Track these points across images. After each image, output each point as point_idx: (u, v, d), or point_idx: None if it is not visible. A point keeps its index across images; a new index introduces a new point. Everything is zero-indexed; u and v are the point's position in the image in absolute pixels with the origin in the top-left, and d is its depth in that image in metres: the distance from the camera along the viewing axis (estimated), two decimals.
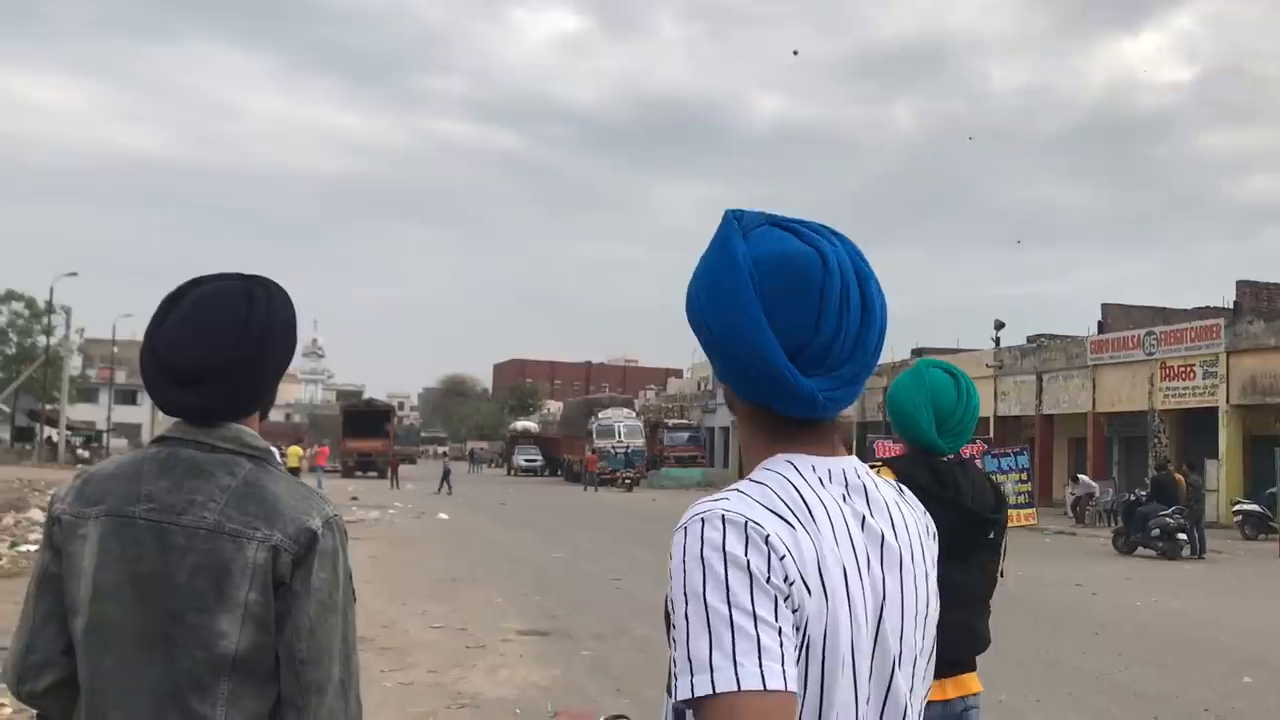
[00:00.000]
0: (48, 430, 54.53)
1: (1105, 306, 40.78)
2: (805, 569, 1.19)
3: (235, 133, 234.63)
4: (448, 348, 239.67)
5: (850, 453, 1.36)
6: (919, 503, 1.45)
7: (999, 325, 41.51)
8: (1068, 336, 39.54)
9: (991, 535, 3.16)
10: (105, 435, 63.33)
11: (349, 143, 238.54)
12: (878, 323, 1.31)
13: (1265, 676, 8.90)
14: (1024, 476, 29.37)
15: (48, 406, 56.62)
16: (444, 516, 27.08)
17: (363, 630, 10.02)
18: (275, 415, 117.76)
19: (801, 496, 1.25)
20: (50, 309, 56.62)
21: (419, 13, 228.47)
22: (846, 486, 1.30)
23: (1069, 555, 21.02)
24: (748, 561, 1.16)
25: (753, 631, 1.13)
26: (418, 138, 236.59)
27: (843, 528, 1.25)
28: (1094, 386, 36.04)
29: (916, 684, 1.32)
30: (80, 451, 52.75)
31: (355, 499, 32.35)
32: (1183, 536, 20.41)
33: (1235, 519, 26.42)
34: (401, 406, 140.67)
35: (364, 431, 54.13)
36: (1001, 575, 3.45)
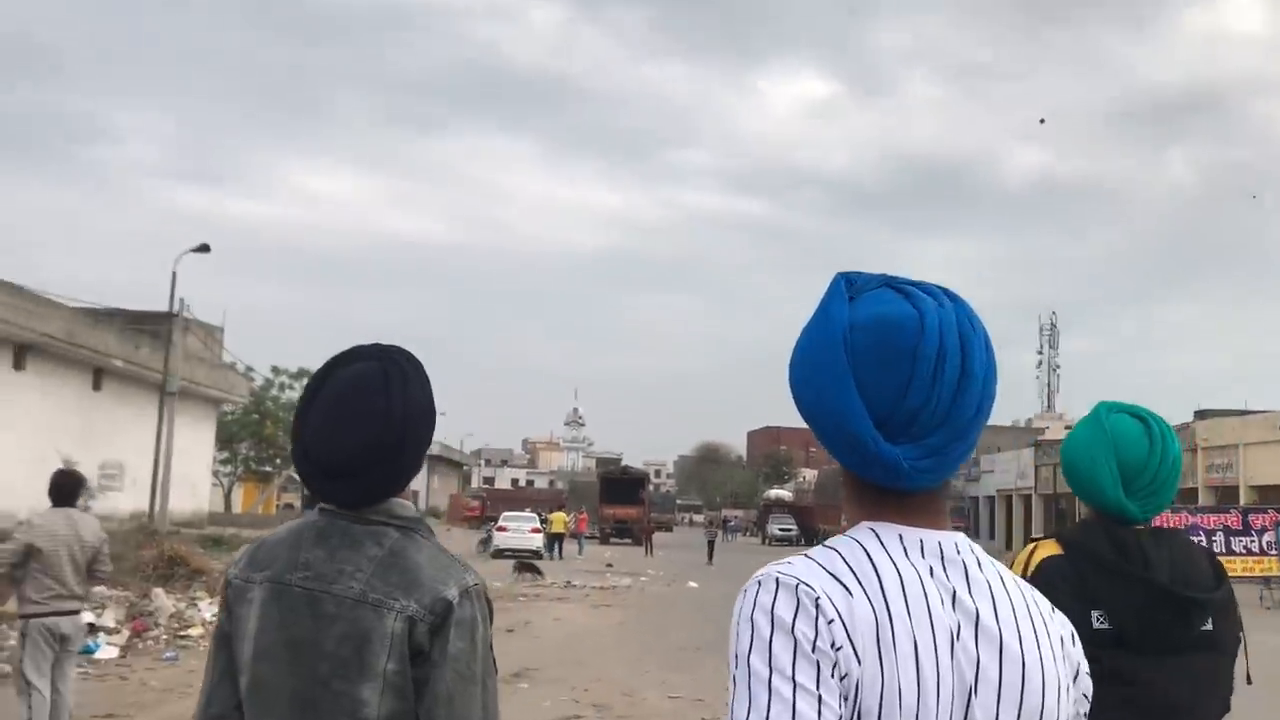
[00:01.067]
0: None
1: None
2: (857, 635, 1.16)
3: (503, 215, 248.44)
4: (703, 415, 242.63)
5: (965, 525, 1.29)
6: (1045, 599, 1.35)
7: None
8: None
9: (1210, 626, 2.35)
10: None
11: (606, 218, 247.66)
12: (976, 392, 1.25)
13: None
14: None
15: None
16: (694, 585, 27.16)
17: (603, 698, 10.20)
18: (540, 481, 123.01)
19: (873, 563, 1.21)
20: None
21: (668, 90, 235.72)
22: (942, 559, 1.24)
23: None
24: (793, 625, 1.15)
25: (789, 696, 1.12)
26: (670, 210, 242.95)
27: (920, 600, 1.20)
28: None
29: None
30: None
31: (610, 565, 32.95)
32: None
33: None
34: (658, 474, 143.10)
35: (620, 498, 55.27)
36: (1249, 681, 2.65)
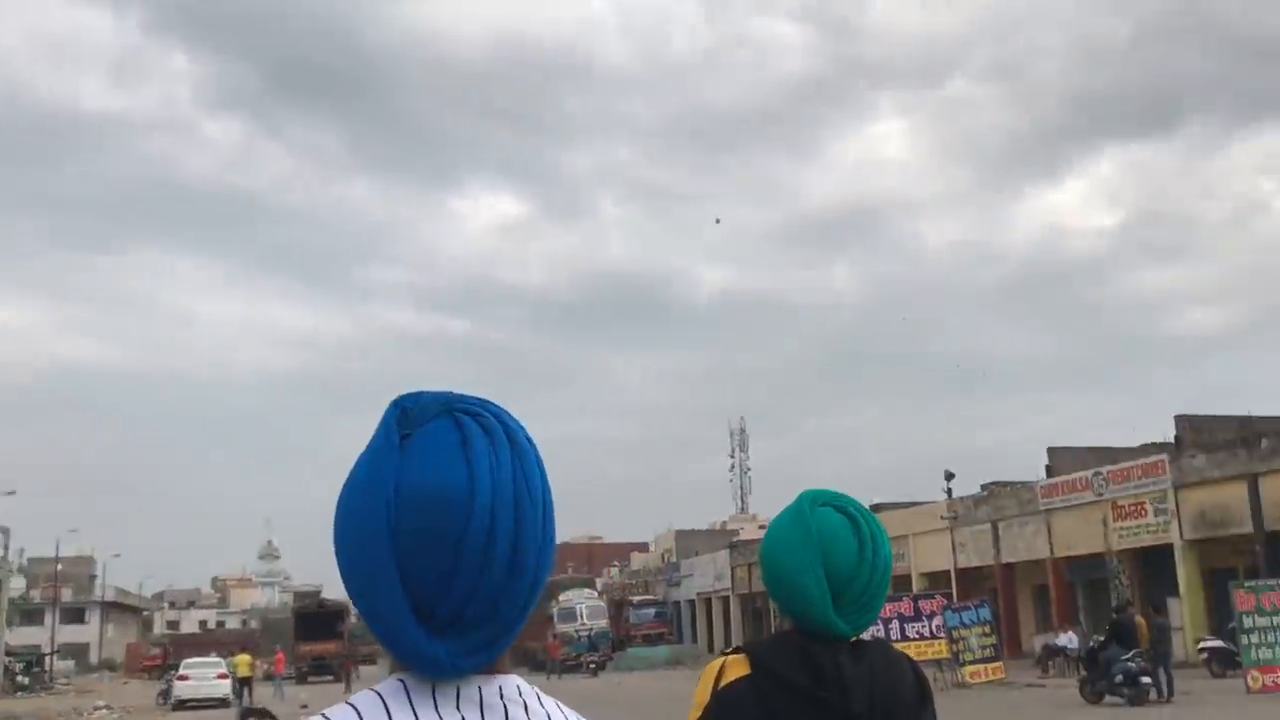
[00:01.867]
0: None
1: (1051, 450, 41.05)
2: None
3: (186, 339, 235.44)
4: None
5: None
6: None
7: (949, 476, 41.52)
8: (1019, 483, 39.66)
9: None
10: (49, 658, 60.88)
11: (299, 339, 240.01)
12: (529, 580, 1.16)
13: None
14: (988, 630, 29.19)
15: None
16: None
17: None
18: (232, 621, 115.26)
19: (389, 714, 1.14)
20: None
21: (361, 208, 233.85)
22: (480, 707, 1.17)
23: (1039, 710, 20.48)
24: None
25: None
26: (368, 330, 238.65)
27: None
28: (1049, 531, 35.97)
29: None
30: (20, 678, 50.40)
31: (305, 707, 31.03)
32: (1147, 680, 19.97)
33: (1201, 656, 26.02)
34: None
35: (317, 633, 52.43)
36: None
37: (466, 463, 1.14)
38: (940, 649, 26.88)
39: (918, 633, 27.09)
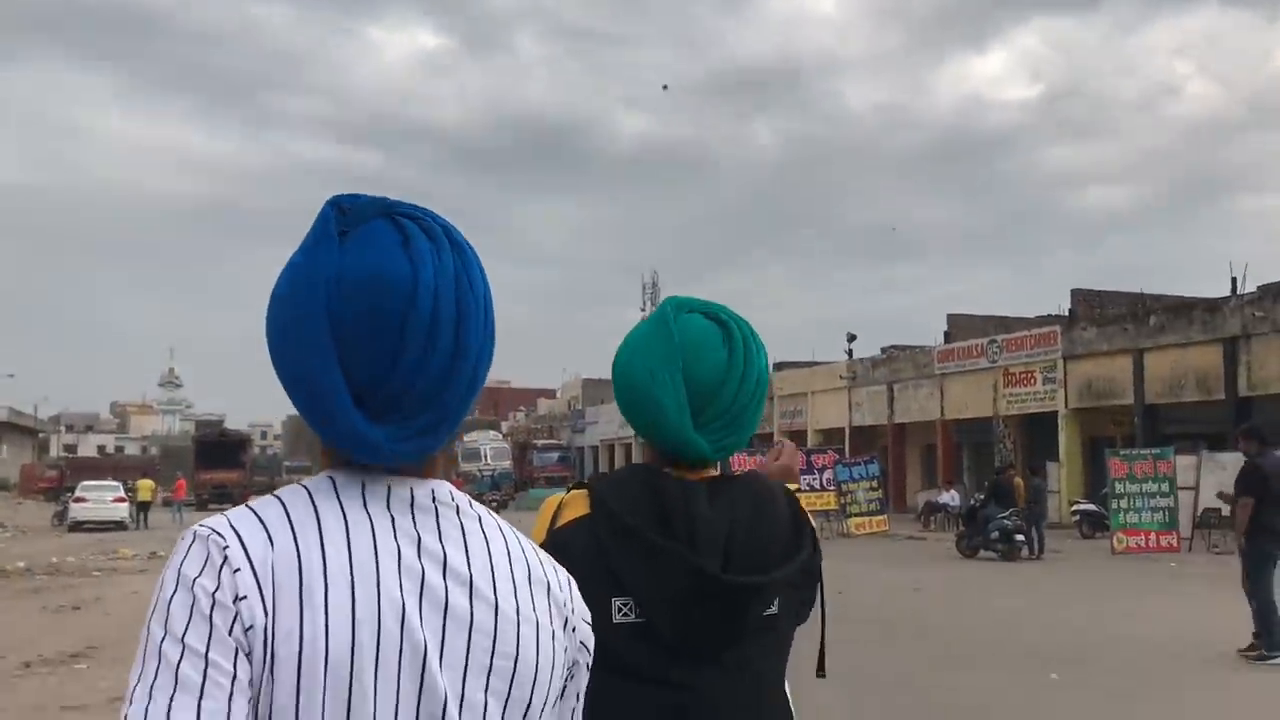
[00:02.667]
0: None
1: (951, 317, 42.10)
2: (270, 583, 1.07)
3: (82, 158, 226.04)
4: None
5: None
6: (544, 556, 1.26)
7: (851, 338, 42.52)
8: (917, 347, 40.70)
9: (775, 609, 1.77)
10: None
11: (205, 165, 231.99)
12: (469, 368, 1.15)
13: (1071, 674, 9.17)
14: (875, 484, 30.34)
15: None
16: None
17: None
18: (131, 447, 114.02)
19: (316, 509, 1.12)
20: None
21: (274, 33, 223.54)
22: (411, 507, 1.15)
23: (914, 560, 21.52)
24: (195, 581, 1.07)
25: (175, 661, 1.04)
26: (277, 158, 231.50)
27: (368, 546, 1.11)
28: (942, 395, 37.17)
29: None
30: None
31: None
32: (1020, 538, 21.11)
33: (1074, 519, 27.47)
34: (264, 435, 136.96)
35: (218, 462, 52.40)
36: (819, 673, 2.08)
37: (408, 257, 1.12)
38: (829, 500, 27.97)
39: (809, 485, 28.08)
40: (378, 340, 1.10)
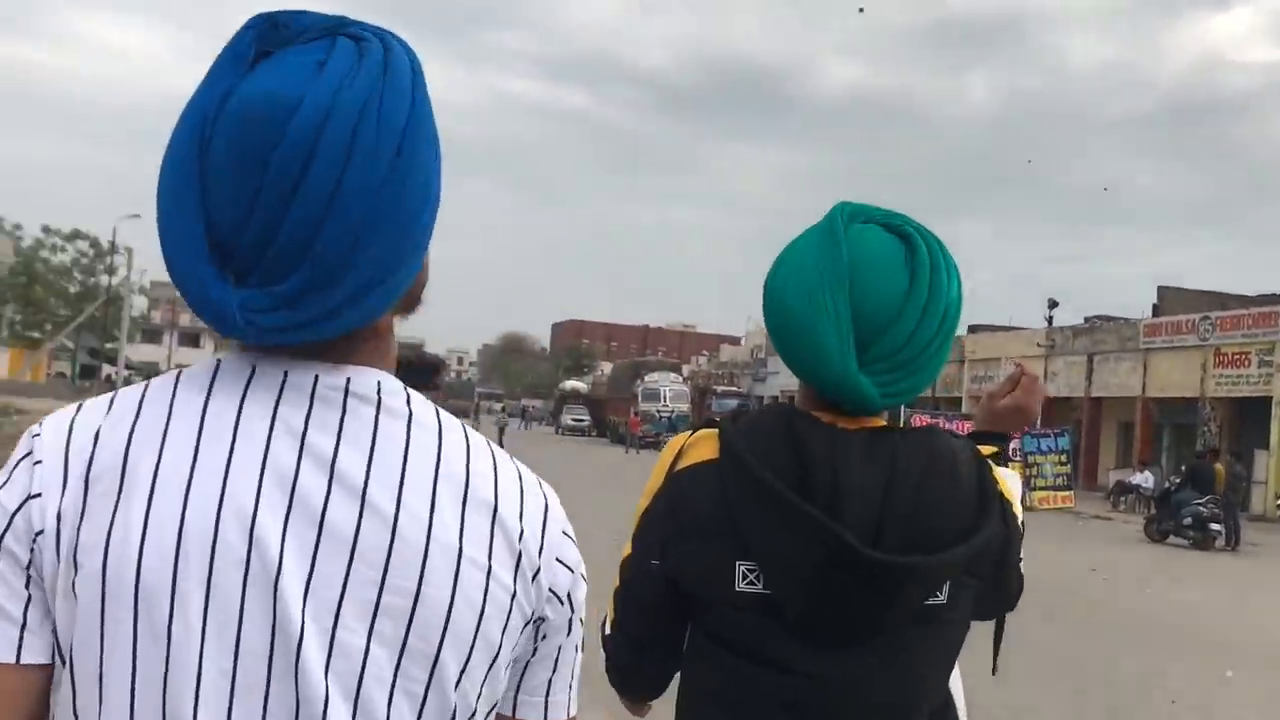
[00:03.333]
0: (108, 369, 55.87)
1: (1162, 289, 39.74)
2: (82, 479, 0.89)
3: None
4: (509, 305, 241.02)
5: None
6: (513, 475, 0.99)
7: (1052, 304, 40.70)
8: (1121, 318, 38.69)
9: (942, 598, 1.45)
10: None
11: None
12: (353, 218, 0.87)
13: (1249, 673, 8.63)
14: (1064, 459, 29.01)
15: (109, 346, 57.97)
16: None
17: None
18: None
19: (174, 395, 0.92)
20: (113, 249, 57.83)
21: None
22: (311, 397, 0.92)
23: (1098, 540, 20.62)
24: (5, 483, 0.90)
25: None
26: (484, 93, 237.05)
27: (224, 437, 0.89)
28: (1145, 370, 35.23)
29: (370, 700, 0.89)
30: None
31: None
32: (1216, 526, 19.90)
33: (1279, 511, 25.74)
34: (460, 361, 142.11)
35: (413, 383, 52.81)
36: (994, 671, 1.85)
37: (311, 79, 0.89)
38: (1013, 471, 27.03)
39: None
40: (240, 176, 0.87)
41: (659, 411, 51.39)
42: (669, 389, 54.31)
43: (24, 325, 58.54)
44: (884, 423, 1.51)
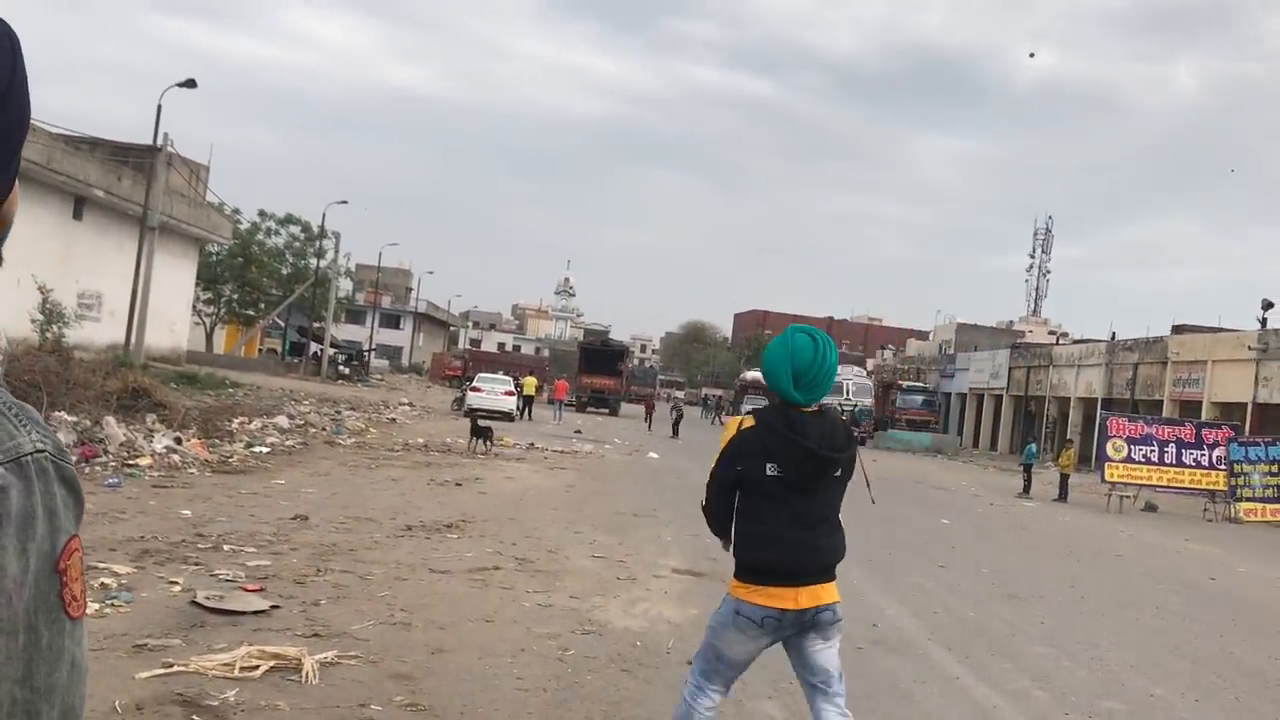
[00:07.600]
0: (315, 347, 58.98)
1: None
2: None
3: (501, 73, 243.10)
4: (693, 294, 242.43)
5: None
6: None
7: (1266, 305, 38.22)
8: None
9: (839, 472, 3.92)
10: (368, 355, 67.83)
11: (604, 85, 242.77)
12: None
13: None
14: (1275, 469, 27.31)
15: (316, 325, 61.19)
16: (654, 456, 27.66)
17: (528, 553, 10.50)
18: (526, 347, 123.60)
19: None
20: (322, 234, 60.98)
21: None
22: None
23: None
24: None
25: None
26: (669, 82, 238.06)
27: None
28: None
29: None
30: (342, 368, 56.70)
31: (579, 432, 33.54)
32: None
33: None
34: (643, 348, 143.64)
35: (598, 369, 55.75)
36: (872, 501, 6.52)
37: None
38: (1216, 480, 25.57)
39: (1194, 460, 25.80)
40: None
41: (841, 405, 50.77)
42: (852, 382, 53.57)
43: (240, 304, 62.42)
44: (818, 408, 3.96)
